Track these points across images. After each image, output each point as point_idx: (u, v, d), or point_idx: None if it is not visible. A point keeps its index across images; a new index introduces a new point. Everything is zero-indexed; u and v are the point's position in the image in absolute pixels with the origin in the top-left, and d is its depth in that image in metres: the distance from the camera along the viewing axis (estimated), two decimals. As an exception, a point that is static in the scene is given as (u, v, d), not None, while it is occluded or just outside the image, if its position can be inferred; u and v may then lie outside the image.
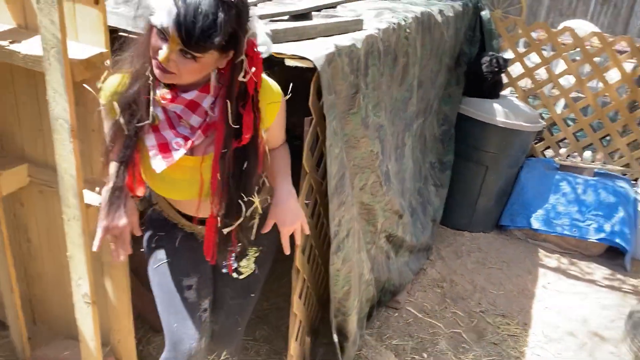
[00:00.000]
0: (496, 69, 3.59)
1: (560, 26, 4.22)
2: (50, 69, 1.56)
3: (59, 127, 1.63)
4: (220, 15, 1.15)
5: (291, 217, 1.50)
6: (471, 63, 3.69)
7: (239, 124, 1.32)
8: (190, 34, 1.15)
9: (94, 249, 1.48)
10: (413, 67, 2.44)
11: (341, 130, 1.79)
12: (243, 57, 1.27)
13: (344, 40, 1.75)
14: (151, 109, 1.35)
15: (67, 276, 2.20)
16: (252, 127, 1.34)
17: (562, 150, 4.29)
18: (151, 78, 1.32)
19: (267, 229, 1.53)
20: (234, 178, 1.38)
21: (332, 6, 2.44)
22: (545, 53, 4.24)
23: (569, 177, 3.83)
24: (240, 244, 1.59)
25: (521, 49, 4.21)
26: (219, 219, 1.43)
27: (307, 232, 1.58)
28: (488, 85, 3.67)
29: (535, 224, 3.76)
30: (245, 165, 1.38)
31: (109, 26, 1.70)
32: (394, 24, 2.15)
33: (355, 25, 1.96)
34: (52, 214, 2.10)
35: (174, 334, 1.63)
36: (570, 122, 4.31)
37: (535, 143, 4.29)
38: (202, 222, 1.57)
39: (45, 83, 1.61)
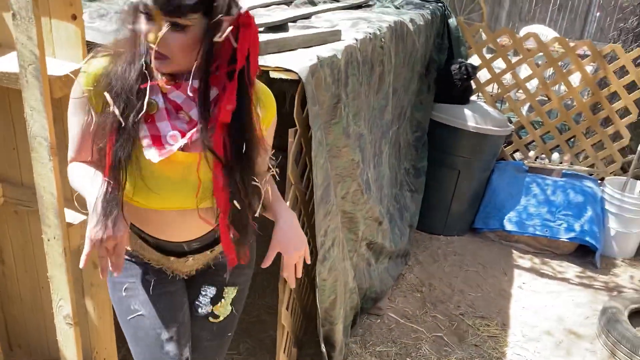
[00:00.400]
0: (465, 76, 3.66)
1: (522, 31, 4.34)
2: (27, 86, 1.53)
3: (37, 145, 1.60)
4: None
5: (296, 243, 1.37)
6: (441, 70, 3.76)
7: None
8: None
9: (81, 266, 1.26)
10: (388, 75, 2.48)
11: (324, 140, 1.80)
12: (223, 18, 1.15)
13: (325, 51, 1.77)
14: (147, 96, 1.20)
15: (45, 298, 2.15)
16: (235, 99, 1.20)
17: (531, 153, 4.40)
18: (144, 65, 1.21)
19: (269, 261, 1.37)
20: (238, 161, 1.25)
21: (307, 17, 2.45)
22: (509, 58, 4.35)
23: (538, 178, 3.93)
24: (215, 287, 1.52)
25: (485, 54, 4.30)
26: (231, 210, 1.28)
27: (309, 260, 1.44)
28: (458, 92, 3.74)
29: (508, 225, 3.84)
30: (248, 147, 1.25)
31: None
32: (370, 34, 2.18)
33: (334, 36, 1.98)
34: (28, 234, 2.05)
35: None
36: (537, 125, 4.42)
37: (505, 146, 4.39)
38: (174, 253, 1.44)
39: (19, 100, 1.57)
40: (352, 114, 2.01)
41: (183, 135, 1.21)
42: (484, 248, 3.84)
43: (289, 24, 2.21)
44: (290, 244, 1.36)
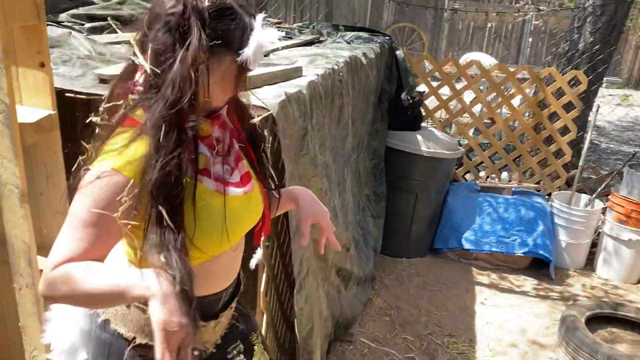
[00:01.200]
0: (414, 104, 3.83)
1: (462, 58, 4.57)
2: (-3, 134, 1.53)
3: (8, 193, 1.59)
4: None
5: (324, 207, 1.37)
6: (392, 99, 3.92)
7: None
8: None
9: None
10: (347, 107, 2.58)
11: (296, 171, 1.86)
12: None
13: (290, 87, 1.84)
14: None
15: (14, 351, 2.08)
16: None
17: (481, 173, 4.60)
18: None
19: (307, 236, 1.34)
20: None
21: (265, 55, 2.53)
22: (454, 85, 4.58)
23: (490, 197, 4.11)
24: (240, 339, 1.36)
25: (432, 82, 4.51)
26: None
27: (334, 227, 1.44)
28: (409, 119, 3.91)
29: (466, 244, 3.98)
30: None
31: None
32: (329, 69, 2.28)
33: (296, 72, 2.07)
34: (-6, 285, 1.99)
35: None
36: (485, 147, 4.64)
37: (456, 168, 4.58)
38: (208, 315, 1.25)
39: (-14, 148, 1.56)
40: (318, 145, 2.08)
41: (230, 165, 1.18)
42: (445, 267, 3.96)
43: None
44: (321, 209, 1.37)
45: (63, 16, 2.53)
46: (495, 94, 4.59)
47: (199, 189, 1.08)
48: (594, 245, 4.11)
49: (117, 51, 2.24)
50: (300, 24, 4.23)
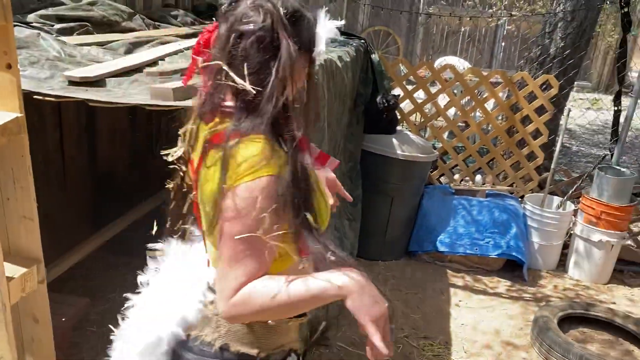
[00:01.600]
0: (387, 107, 3.85)
1: (436, 62, 4.61)
2: (-38, 138, 1.48)
3: (-27, 199, 1.54)
4: None
5: (329, 171, 1.52)
6: (368, 103, 3.93)
7: None
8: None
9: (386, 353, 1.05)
10: (323, 110, 2.58)
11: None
12: None
13: (265, 90, 1.82)
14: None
15: (-20, 359, 2.02)
16: None
17: (456, 176, 4.64)
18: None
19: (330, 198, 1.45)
20: None
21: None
22: (429, 89, 4.62)
23: (464, 200, 4.15)
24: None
25: (407, 86, 4.54)
26: None
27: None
28: (384, 122, 3.93)
29: (441, 246, 4.01)
30: None
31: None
32: (304, 71, 2.26)
33: (270, 75, 2.05)
34: (-41, 293, 1.93)
35: None
36: (459, 150, 4.69)
37: (431, 171, 4.61)
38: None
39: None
40: (292, 149, 2.07)
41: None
42: (420, 270, 3.98)
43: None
44: (328, 172, 1.49)
45: (31, 17, 2.47)
46: (469, 97, 4.65)
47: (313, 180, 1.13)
48: (566, 246, 4.18)
49: (87, 53, 2.20)
50: (275, 26, 4.21)
